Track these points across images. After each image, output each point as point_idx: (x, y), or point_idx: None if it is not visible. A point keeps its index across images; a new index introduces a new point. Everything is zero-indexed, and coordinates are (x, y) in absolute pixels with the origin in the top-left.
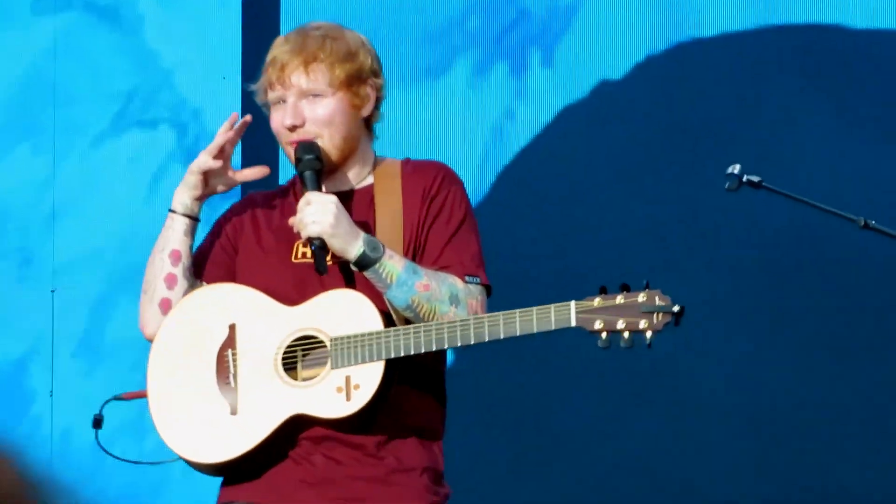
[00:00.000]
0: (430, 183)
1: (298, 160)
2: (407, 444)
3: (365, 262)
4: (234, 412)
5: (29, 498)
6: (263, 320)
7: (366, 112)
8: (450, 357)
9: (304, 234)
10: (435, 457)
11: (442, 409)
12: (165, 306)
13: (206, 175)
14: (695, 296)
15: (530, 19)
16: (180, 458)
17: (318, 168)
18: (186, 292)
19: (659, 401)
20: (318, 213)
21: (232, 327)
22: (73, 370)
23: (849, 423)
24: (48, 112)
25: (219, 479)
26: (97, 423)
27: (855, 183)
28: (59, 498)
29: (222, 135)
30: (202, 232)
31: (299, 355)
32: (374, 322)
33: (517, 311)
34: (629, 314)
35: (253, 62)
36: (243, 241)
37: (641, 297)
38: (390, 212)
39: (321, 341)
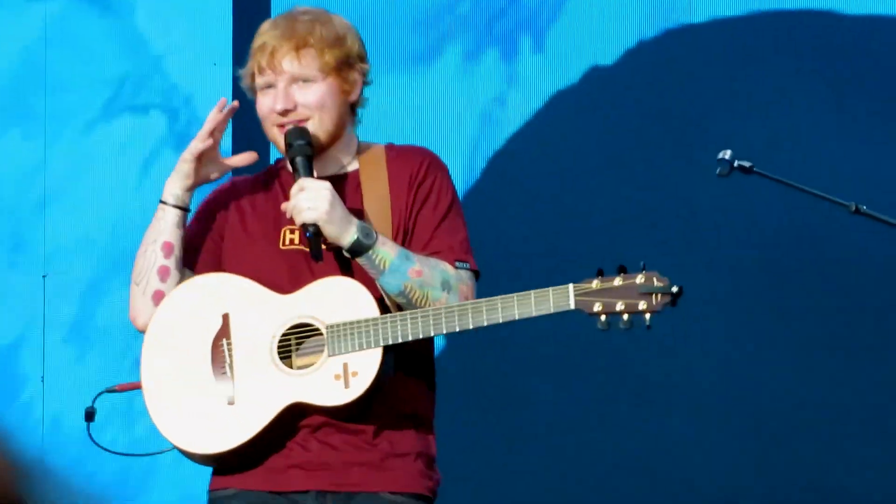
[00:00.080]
0: (416, 168)
1: (289, 145)
2: (400, 430)
3: (358, 249)
4: (230, 402)
5: (19, 483)
6: (256, 309)
7: (353, 97)
8: (438, 348)
9: (299, 221)
10: (427, 442)
11: (432, 394)
12: (158, 298)
13: (198, 163)
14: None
15: (521, 5)
16: (177, 448)
17: (309, 153)
18: (178, 283)
19: (658, 399)
20: (313, 200)
21: (225, 317)
22: (65, 355)
23: (849, 422)
24: (39, 98)
25: (209, 466)
26: (89, 415)
27: (847, 169)
28: (50, 483)
29: (212, 119)
30: None
31: (293, 344)
32: (370, 309)
33: (514, 294)
34: (628, 296)
35: (244, 48)
36: (229, 228)
37: (639, 279)
38: (377, 197)
39: (316, 329)
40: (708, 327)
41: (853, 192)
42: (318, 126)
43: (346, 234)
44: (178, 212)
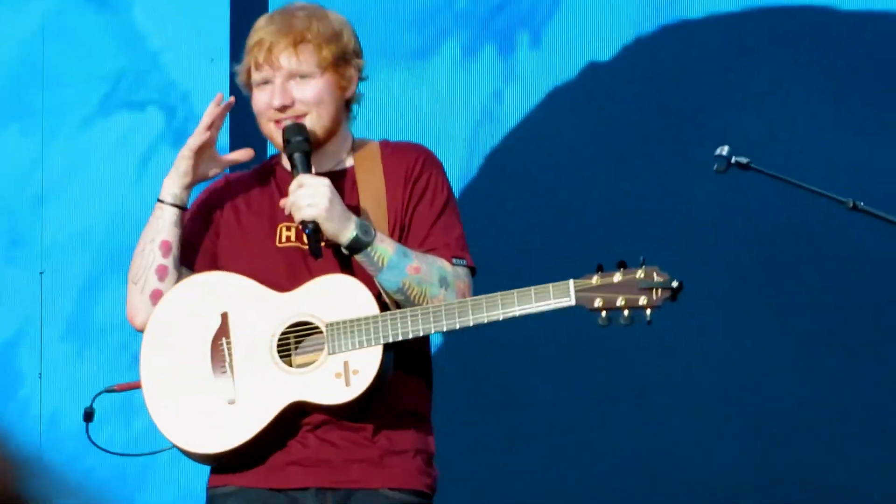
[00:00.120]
0: (411, 165)
1: (287, 141)
2: (399, 427)
3: (357, 246)
4: (231, 401)
5: (16, 479)
6: (255, 308)
7: (349, 93)
8: (437, 348)
9: (298, 217)
10: (426, 439)
11: (429, 391)
12: (157, 297)
13: (197, 158)
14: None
15: (518, 1)
16: (179, 448)
17: (307, 150)
18: (176, 282)
19: (656, 397)
20: (312, 196)
21: (224, 316)
22: (62, 352)
23: (847, 419)
24: (37, 94)
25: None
26: (88, 416)
27: (845, 165)
28: (47, 480)
29: (210, 113)
30: None
31: (292, 342)
32: (370, 306)
33: (514, 290)
34: (628, 291)
35: (241, 44)
36: (224, 226)
37: (639, 274)
38: (373, 194)
39: (315, 328)
40: (705, 324)
41: (851, 189)
42: (316, 122)
43: (344, 231)
44: (175, 210)
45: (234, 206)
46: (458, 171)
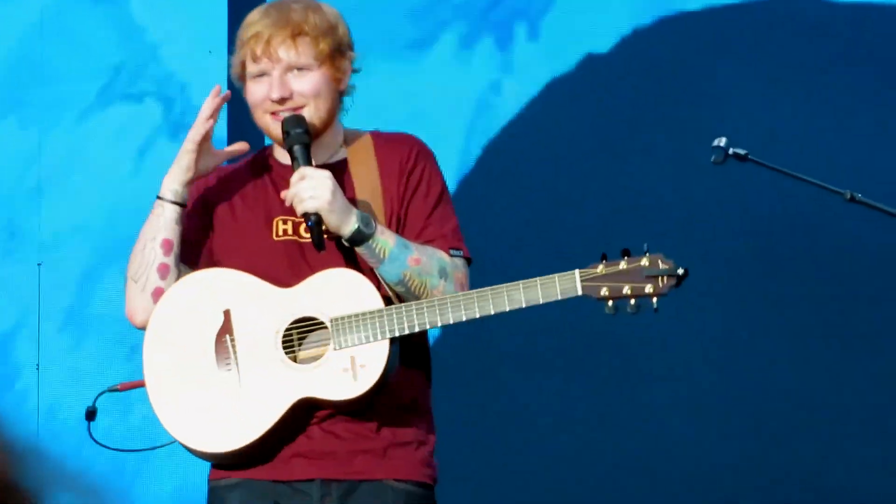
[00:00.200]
0: (405, 156)
1: (287, 133)
2: (402, 419)
3: (359, 238)
4: (238, 399)
5: (13, 468)
6: (258, 304)
7: (343, 85)
8: (437, 348)
9: (301, 210)
10: (427, 431)
11: (429, 382)
12: (158, 295)
13: (197, 154)
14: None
15: None
16: (184, 447)
17: (307, 142)
18: (176, 279)
19: (656, 395)
20: (315, 188)
21: (226, 313)
22: (60, 344)
23: (845, 413)
24: (34, 86)
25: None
26: (90, 414)
27: (843, 157)
28: (45, 469)
29: (209, 105)
30: None
31: (295, 338)
32: (374, 300)
33: (520, 282)
34: (634, 279)
35: None
36: (219, 221)
37: (644, 262)
38: (369, 185)
39: (319, 323)
40: (702, 317)
41: (848, 180)
42: (314, 114)
43: (346, 223)
44: (176, 208)
45: (227, 200)
46: (456, 162)
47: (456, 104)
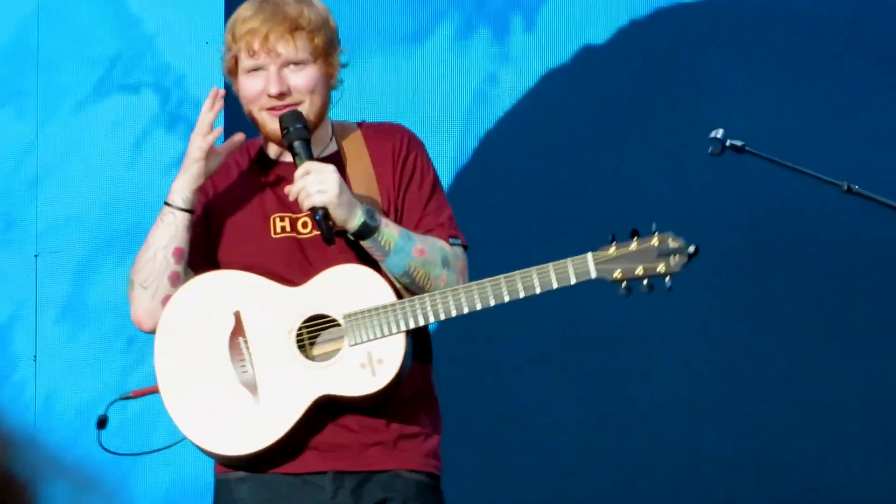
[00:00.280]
0: (397, 145)
1: (286, 129)
2: (411, 410)
3: (365, 231)
4: (257, 401)
5: (9, 456)
6: (267, 304)
7: (334, 80)
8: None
9: (308, 204)
10: (435, 420)
11: (431, 369)
12: (167, 302)
13: (204, 162)
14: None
15: None
16: (204, 451)
17: (307, 137)
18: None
19: (655, 393)
20: (321, 183)
21: (237, 314)
22: (57, 335)
23: (844, 409)
24: (31, 76)
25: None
26: (101, 423)
27: (840, 149)
28: (40, 457)
29: (214, 110)
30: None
31: (305, 337)
32: (385, 294)
33: (532, 268)
34: (646, 259)
35: None
36: (215, 219)
37: (655, 241)
38: (363, 177)
39: (330, 320)
40: (699, 310)
41: (845, 172)
42: (310, 109)
43: (353, 217)
44: (187, 215)
45: (220, 199)
46: (453, 154)
47: (452, 96)
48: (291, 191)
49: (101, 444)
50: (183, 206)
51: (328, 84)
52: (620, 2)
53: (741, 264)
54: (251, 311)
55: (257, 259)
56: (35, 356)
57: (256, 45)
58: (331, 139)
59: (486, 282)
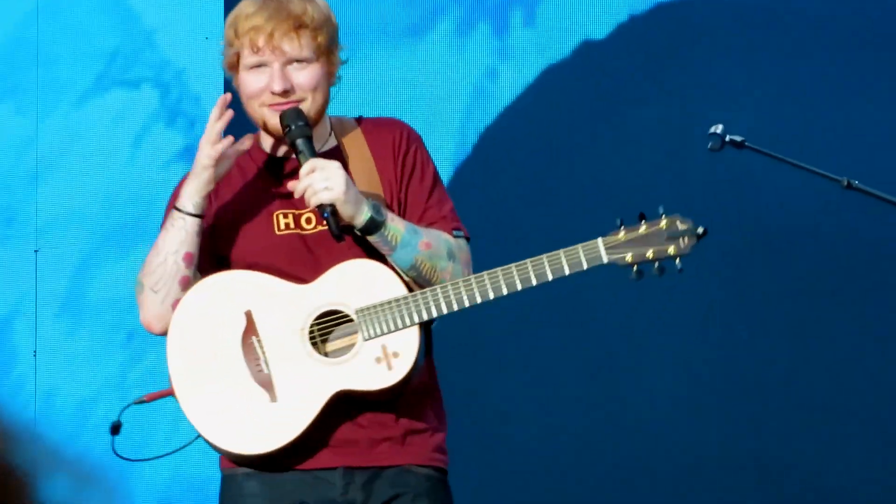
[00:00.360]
0: (397, 139)
1: (287, 127)
2: (418, 405)
3: (372, 227)
4: (274, 399)
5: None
6: (278, 303)
7: (334, 77)
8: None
9: (315, 202)
10: (440, 415)
11: (433, 362)
12: (177, 305)
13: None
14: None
15: None
16: (223, 451)
17: (309, 134)
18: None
19: (655, 393)
20: (328, 179)
21: (248, 314)
22: (57, 330)
23: (845, 410)
24: (31, 71)
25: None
26: (115, 429)
27: (840, 144)
28: (40, 450)
29: (221, 120)
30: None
31: (316, 334)
32: (397, 287)
33: (544, 255)
34: (656, 242)
35: None
36: (217, 219)
37: (663, 224)
38: (365, 171)
39: (341, 317)
40: (698, 306)
41: (846, 167)
42: (311, 107)
43: (360, 212)
44: (197, 220)
45: (220, 197)
46: (453, 149)
47: (452, 91)
48: (297, 188)
49: (114, 451)
50: (193, 212)
51: (329, 81)
52: None
53: (740, 259)
54: (262, 310)
55: (262, 256)
56: (35, 351)
57: (261, 42)
58: (329, 134)
59: (498, 270)
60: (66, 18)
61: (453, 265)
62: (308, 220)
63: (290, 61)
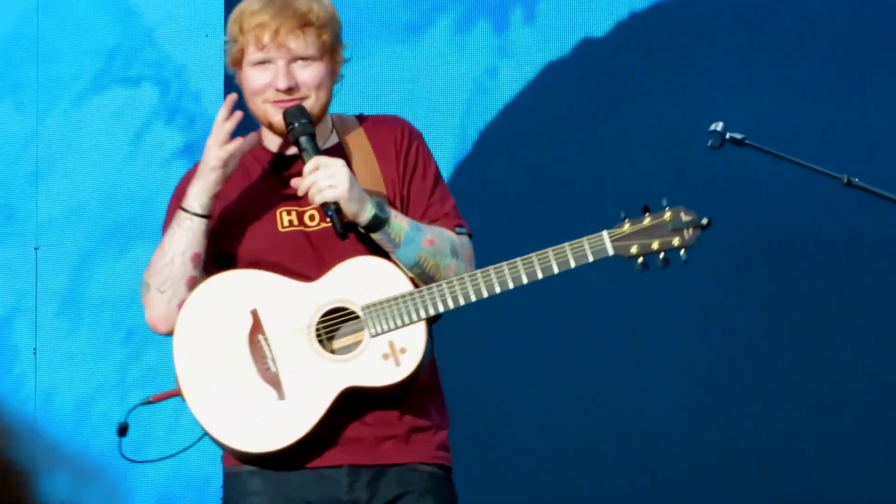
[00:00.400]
0: (398, 137)
1: (290, 125)
2: (421, 403)
3: (376, 224)
4: (283, 397)
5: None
6: (283, 301)
7: (337, 76)
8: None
9: (320, 200)
10: (443, 412)
11: (434, 359)
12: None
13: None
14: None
15: None
16: (233, 450)
17: (312, 132)
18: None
19: (654, 391)
20: (332, 177)
21: (254, 313)
22: (57, 328)
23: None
24: (31, 68)
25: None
26: (122, 430)
27: (840, 142)
28: (40, 446)
29: (230, 121)
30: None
31: (322, 333)
32: (402, 283)
33: (549, 249)
34: (661, 234)
35: None
36: (221, 216)
37: (668, 215)
38: (367, 168)
39: (347, 314)
40: (697, 303)
41: (846, 165)
42: (314, 105)
43: (363, 210)
44: (205, 221)
45: (222, 194)
46: (453, 146)
47: (452, 88)
48: (301, 186)
49: (122, 454)
50: (200, 212)
51: (333, 80)
52: None
53: (740, 256)
54: (268, 308)
55: (265, 254)
56: (35, 349)
57: (266, 39)
58: (331, 132)
59: (504, 265)
60: (66, 15)
61: (456, 262)
62: (311, 217)
63: (294, 59)
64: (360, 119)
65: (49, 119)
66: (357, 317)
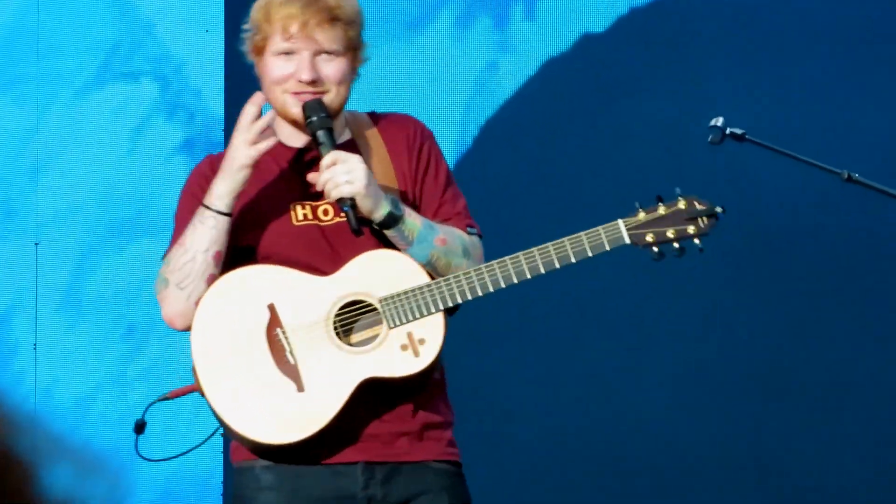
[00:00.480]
0: (411, 134)
1: (309, 118)
2: (432, 399)
3: (390, 221)
4: (300, 389)
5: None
6: (300, 295)
7: (356, 74)
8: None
9: (336, 195)
10: (449, 410)
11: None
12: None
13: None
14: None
15: None
16: (254, 442)
17: (331, 126)
18: None
19: (654, 390)
20: (350, 173)
21: (271, 307)
22: (57, 323)
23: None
24: (31, 63)
25: (213, 426)
26: (139, 427)
27: (841, 137)
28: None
29: (263, 120)
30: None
31: (337, 325)
32: (419, 276)
33: (565, 238)
34: (675, 222)
35: (236, 15)
36: (235, 211)
37: (682, 204)
38: (380, 165)
39: (363, 307)
40: (697, 301)
41: (846, 160)
42: (334, 99)
43: (379, 206)
44: (228, 219)
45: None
46: (454, 142)
47: (453, 84)
48: (319, 180)
49: (137, 452)
50: (224, 211)
51: (353, 77)
52: None
53: (740, 253)
54: (285, 302)
55: (280, 247)
56: (35, 344)
57: (293, 30)
58: (344, 128)
59: (520, 255)
60: (66, 10)
61: (468, 262)
62: (325, 212)
63: (319, 52)
64: (372, 116)
65: (49, 114)
66: (373, 310)
